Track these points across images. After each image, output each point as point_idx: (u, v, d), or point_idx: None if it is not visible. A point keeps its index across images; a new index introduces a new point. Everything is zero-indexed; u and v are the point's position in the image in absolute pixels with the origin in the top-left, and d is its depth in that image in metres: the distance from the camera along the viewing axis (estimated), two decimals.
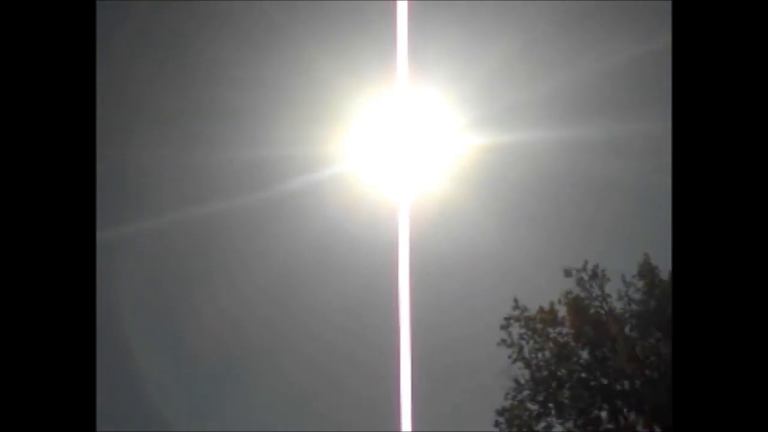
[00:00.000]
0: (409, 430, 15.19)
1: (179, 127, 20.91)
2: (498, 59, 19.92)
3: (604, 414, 20.12)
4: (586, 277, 21.48)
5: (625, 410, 20.00)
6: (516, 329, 20.92)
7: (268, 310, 23.12)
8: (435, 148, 19.92)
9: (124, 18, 18.64)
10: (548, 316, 20.77)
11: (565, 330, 20.74)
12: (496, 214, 22.95)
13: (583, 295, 20.80)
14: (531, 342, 20.88)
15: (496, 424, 20.16)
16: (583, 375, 20.47)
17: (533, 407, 20.30)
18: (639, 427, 19.39)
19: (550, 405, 20.23)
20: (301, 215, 22.48)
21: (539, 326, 20.70)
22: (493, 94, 20.33)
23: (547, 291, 23.66)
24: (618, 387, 20.02)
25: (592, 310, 20.54)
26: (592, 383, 20.33)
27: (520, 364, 20.62)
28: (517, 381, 20.11)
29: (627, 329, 20.68)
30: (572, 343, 20.55)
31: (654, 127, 20.55)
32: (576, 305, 20.45)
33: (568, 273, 21.11)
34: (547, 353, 20.68)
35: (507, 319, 20.67)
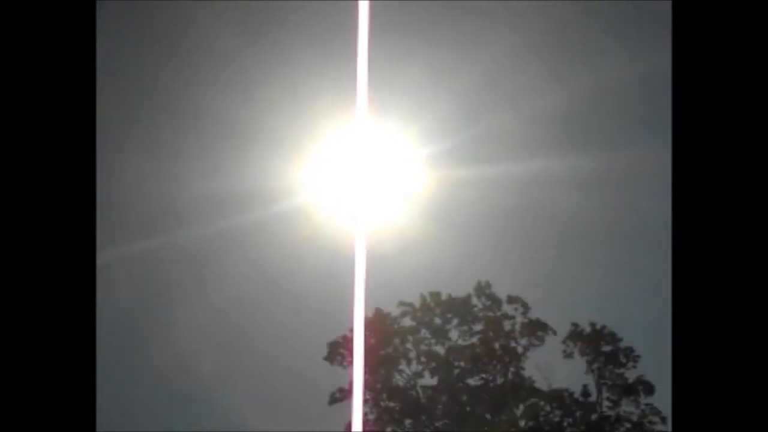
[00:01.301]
0: None
1: (137, 161, 20.78)
2: (458, 92, 19.99)
3: None
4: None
5: None
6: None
7: (227, 337, 22.99)
8: (393, 181, 19.90)
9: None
10: None
11: None
12: (454, 246, 22.94)
13: None
14: None
15: None
16: None
17: None
18: None
19: None
20: (259, 247, 22.37)
21: None
22: (453, 127, 20.41)
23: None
24: None
25: None
26: None
27: None
28: None
29: None
30: None
31: (617, 161, 20.68)
32: None
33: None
34: None
35: None
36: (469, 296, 23.10)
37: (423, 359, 22.62)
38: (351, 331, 21.85)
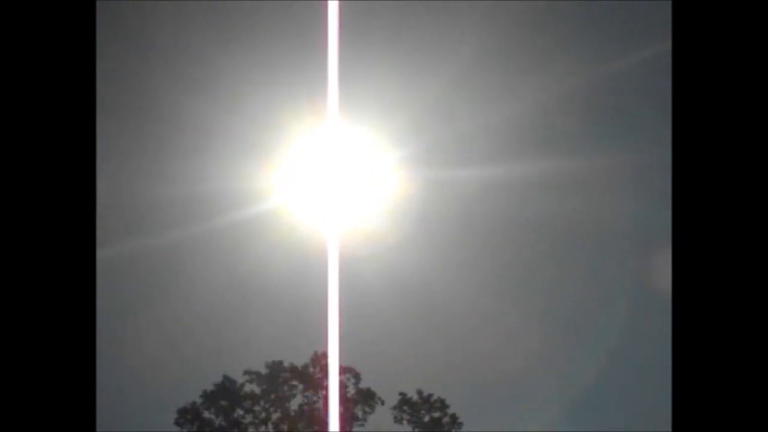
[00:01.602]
0: None
1: (106, 164, 20.66)
2: (431, 93, 19.98)
3: None
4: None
5: None
6: None
7: (196, 343, 22.87)
8: (365, 184, 19.89)
9: None
10: None
11: None
12: (426, 250, 22.94)
13: None
14: None
15: None
16: None
17: None
18: None
19: None
20: (231, 251, 22.29)
21: None
22: (425, 128, 20.38)
23: (479, 328, 23.72)
24: None
25: None
26: None
27: None
28: None
29: None
30: None
31: (593, 164, 20.73)
32: None
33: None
34: None
35: None
36: (307, 365, 24.37)
37: (263, 428, 23.66)
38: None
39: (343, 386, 24.17)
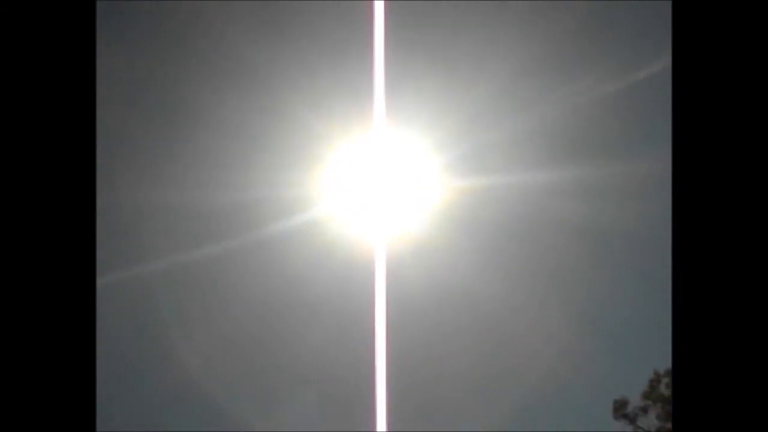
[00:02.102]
0: None
1: (150, 171, 20.79)
2: (477, 100, 19.93)
3: None
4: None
5: None
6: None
7: (247, 352, 22.94)
8: (412, 191, 19.87)
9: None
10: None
11: None
12: (473, 257, 22.86)
13: None
14: None
15: None
16: None
17: None
18: None
19: None
20: (277, 260, 22.32)
21: None
22: (472, 135, 20.33)
23: (523, 335, 23.62)
24: None
25: None
26: None
27: None
28: None
29: None
30: None
31: (637, 169, 20.59)
32: None
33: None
34: None
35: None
36: None
37: None
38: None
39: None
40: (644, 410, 21.17)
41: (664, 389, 22.30)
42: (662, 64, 18.78)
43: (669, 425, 21.04)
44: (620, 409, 20.87)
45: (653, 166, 20.08)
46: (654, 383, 21.97)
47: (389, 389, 21.37)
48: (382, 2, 14.77)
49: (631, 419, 21.24)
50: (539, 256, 23.39)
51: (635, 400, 21.50)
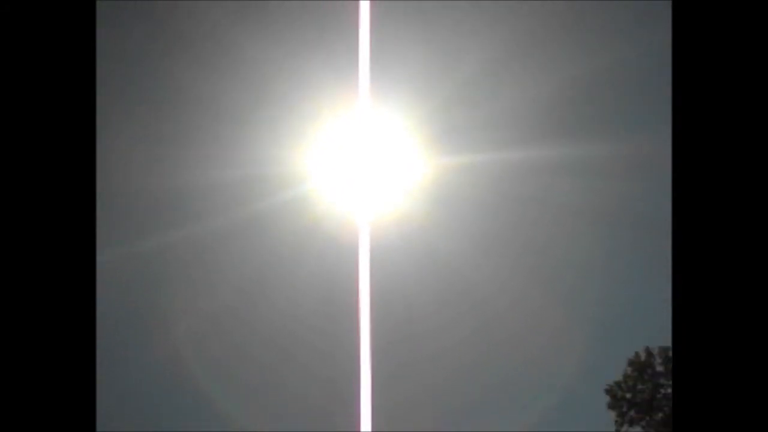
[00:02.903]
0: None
1: (137, 151, 20.78)
2: (461, 76, 19.96)
3: None
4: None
5: None
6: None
7: (233, 326, 23.00)
8: (396, 168, 19.91)
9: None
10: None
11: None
12: (458, 234, 22.95)
13: None
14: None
15: None
16: None
17: None
18: None
19: None
20: (263, 237, 22.37)
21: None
22: (456, 112, 20.38)
23: (508, 313, 23.73)
24: None
25: None
26: None
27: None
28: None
29: None
30: None
31: (622, 147, 20.66)
32: None
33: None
34: None
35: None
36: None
37: None
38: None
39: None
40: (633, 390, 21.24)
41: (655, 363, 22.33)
42: (657, 39, 18.78)
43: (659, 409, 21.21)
44: (613, 395, 20.91)
45: (640, 145, 20.16)
46: (638, 360, 22.01)
47: (373, 366, 21.51)
48: None
49: (621, 410, 21.37)
50: (524, 234, 23.49)
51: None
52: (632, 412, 21.07)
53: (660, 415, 21.39)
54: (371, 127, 18.56)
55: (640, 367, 21.41)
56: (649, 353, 22.23)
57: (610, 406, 21.16)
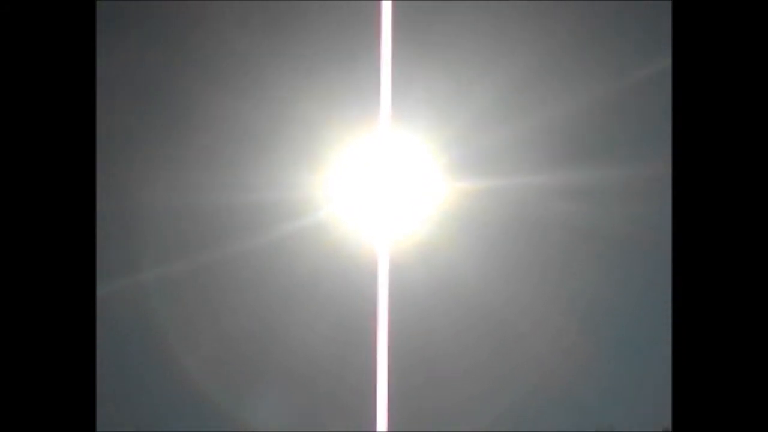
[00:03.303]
0: None
1: (153, 173, 20.86)
2: (483, 100, 19.99)
3: None
4: None
5: None
6: None
7: (252, 351, 23.05)
8: (417, 192, 20.09)
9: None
10: None
11: None
12: (478, 258, 22.93)
13: None
14: None
15: None
16: None
17: None
18: None
19: None
20: (281, 263, 22.42)
21: None
22: (477, 136, 20.40)
23: (529, 337, 23.68)
24: None
25: None
26: None
27: None
28: None
29: None
30: None
31: (646, 171, 20.67)
32: None
33: None
34: None
35: None
36: None
37: None
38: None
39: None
40: None
41: None
42: (663, 64, 18.94)
43: None
44: None
45: (659, 168, 20.16)
46: None
47: (391, 391, 21.48)
48: (390, 2, 14.96)
49: None
50: (544, 258, 23.47)
51: None
52: None
53: None
54: (392, 150, 18.70)
55: None
56: None
57: None
